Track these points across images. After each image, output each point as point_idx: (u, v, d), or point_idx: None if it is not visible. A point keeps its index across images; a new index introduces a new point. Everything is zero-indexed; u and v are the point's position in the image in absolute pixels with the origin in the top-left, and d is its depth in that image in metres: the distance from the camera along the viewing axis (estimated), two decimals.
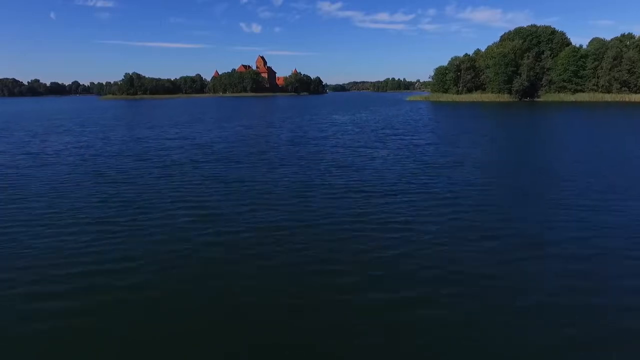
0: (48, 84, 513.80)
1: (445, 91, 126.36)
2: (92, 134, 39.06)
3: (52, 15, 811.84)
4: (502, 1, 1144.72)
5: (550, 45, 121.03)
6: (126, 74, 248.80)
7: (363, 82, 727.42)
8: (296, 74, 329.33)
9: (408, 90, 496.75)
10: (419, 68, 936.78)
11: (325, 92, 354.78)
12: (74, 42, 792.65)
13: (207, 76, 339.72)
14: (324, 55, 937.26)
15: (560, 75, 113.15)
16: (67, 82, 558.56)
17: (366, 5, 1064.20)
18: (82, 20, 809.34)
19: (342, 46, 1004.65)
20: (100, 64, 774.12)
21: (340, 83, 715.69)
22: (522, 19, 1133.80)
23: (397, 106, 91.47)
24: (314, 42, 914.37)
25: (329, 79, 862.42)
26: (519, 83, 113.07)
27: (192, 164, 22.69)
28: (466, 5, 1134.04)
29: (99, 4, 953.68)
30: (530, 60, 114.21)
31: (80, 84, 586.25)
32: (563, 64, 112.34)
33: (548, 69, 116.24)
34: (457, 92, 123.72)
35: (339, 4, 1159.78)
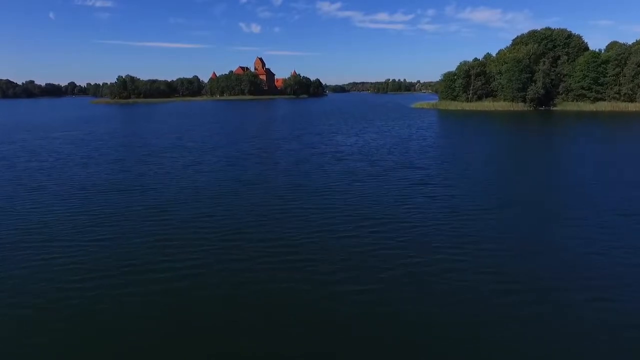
0: (43, 84, 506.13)
1: (454, 98, 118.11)
2: (26, 173, 30.87)
3: (51, 15, 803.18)
4: (502, 1, 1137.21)
5: (566, 49, 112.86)
6: (119, 77, 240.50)
7: (363, 83, 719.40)
8: (295, 76, 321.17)
9: (409, 92, 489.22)
10: (419, 68, 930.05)
11: (325, 95, 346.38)
12: (73, 42, 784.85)
13: (206, 77, 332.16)
14: (323, 56, 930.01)
15: (578, 82, 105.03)
16: (64, 82, 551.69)
17: (366, 5, 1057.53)
18: (81, 20, 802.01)
19: (342, 46, 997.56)
20: (98, 65, 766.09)
21: (340, 84, 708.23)
22: (522, 19, 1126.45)
23: (405, 118, 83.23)
24: (314, 42, 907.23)
25: (328, 80, 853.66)
26: (534, 91, 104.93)
27: (108, 276, 14.46)
28: (465, 6, 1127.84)
29: (98, 4, 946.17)
30: (546, 66, 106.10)
31: (77, 84, 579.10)
32: (582, 70, 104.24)
33: (565, 76, 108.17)
34: (467, 100, 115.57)
35: (338, 4, 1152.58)
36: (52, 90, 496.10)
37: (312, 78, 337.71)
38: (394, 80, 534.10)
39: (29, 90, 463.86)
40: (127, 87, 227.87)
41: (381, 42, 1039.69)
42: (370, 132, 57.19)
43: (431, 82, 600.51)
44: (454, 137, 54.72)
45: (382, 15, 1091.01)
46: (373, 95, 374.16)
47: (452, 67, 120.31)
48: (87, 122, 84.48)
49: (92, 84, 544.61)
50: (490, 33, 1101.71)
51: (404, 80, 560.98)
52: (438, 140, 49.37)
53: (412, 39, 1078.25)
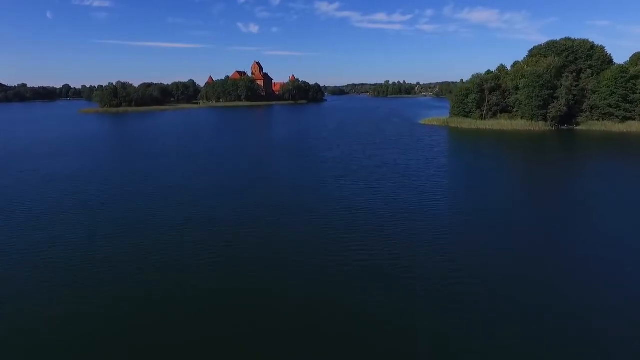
0: (38, 86, 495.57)
1: (467, 115, 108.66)
2: None
3: (48, 14, 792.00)
4: (500, 2, 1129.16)
5: (589, 62, 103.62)
6: (109, 84, 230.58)
7: (362, 85, 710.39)
8: (294, 81, 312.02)
9: (409, 96, 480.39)
10: (418, 69, 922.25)
11: (324, 100, 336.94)
12: (70, 43, 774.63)
13: (204, 78, 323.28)
14: (322, 56, 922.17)
15: (605, 99, 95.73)
16: (60, 84, 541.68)
17: (364, 5, 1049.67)
18: (79, 20, 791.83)
19: (341, 46, 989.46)
20: (95, 65, 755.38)
21: (339, 85, 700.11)
22: (520, 20, 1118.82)
23: (419, 147, 73.69)
24: (312, 43, 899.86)
25: (327, 81, 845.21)
26: (557, 109, 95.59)
27: None
28: (464, 6, 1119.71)
29: (96, 4, 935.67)
30: (569, 82, 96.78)
31: (72, 87, 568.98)
32: (609, 87, 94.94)
33: (589, 91, 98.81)
34: (481, 117, 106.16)
35: (336, 4, 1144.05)
36: (45, 94, 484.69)
37: (311, 80, 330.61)
38: (393, 83, 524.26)
39: (21, 94, 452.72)
40: (118, 95, 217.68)
41: (380, 43, 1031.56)
42: (386, 178, 47.42)
43: (431, 83, 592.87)
44: (491, 187, 45.25)
45: (381, 16, 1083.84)
46: (374, 100, 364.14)
47: (451, 68, 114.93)
48: (55, 150, 74.74)
49: (87, 86, 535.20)
50: (488, 33, 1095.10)
51: (404, 82, 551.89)
52: (475, 197, 39.83)
53: (410, 39, 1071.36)
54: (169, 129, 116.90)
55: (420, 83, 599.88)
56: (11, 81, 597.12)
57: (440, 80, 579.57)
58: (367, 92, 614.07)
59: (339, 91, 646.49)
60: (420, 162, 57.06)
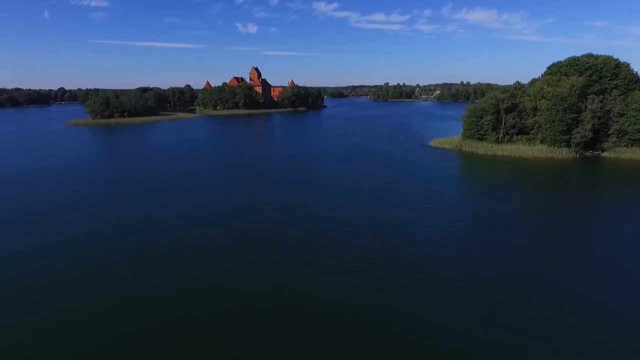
0: (35, 88, 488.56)
1: (481, 137, 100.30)
2: None
3: (46, 14, 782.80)
4: (498, 2, 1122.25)
5: (615, 81, 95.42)
6: (101, 93, 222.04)
7: (362, 87, 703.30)
8: (293, 87, 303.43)
9: (410, 100, 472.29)
10: (417, 70, 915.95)
11: (324, 106, 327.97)
12: (67, 43, 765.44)
13: (202, 80, 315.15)
14: (321, 56, 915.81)
15: (635, 124, 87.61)
16: (56, 86, 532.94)
17: (362, 5, 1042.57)
18: (76, 20, 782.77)
19: (339, 47, 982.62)
20: (92, 66, 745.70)
21: (338, 86, 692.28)
22: (518, 20, 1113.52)
23: (436, 191, 65.32)
24: (311, 43, 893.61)
25: (327, 82, 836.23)
26: (581, 134, 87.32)
27: None
28: (462, 6, 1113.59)
29: (94, 4, 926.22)
30: (595, 105, 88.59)
31: (67, 90, 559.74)
32: (639, 110, 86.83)
33: (616, 114, 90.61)
34: (497, 141, 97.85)
35: (334, 4, 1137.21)
36: (39, 98, 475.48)
37: (310, 81, 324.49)
38: (394, 86, 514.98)
39: (15, 98, 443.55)
40: (110, 105, 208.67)
41: (378, 43, 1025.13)
42: (405, 235, 38.99)
43: (430, 85, 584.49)
44: (520, 239, 36.79)
45: (379, 16, 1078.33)
46: (375, 106, 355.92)
47: (450, 69, 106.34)
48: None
49: (83, 89, 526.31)
50: (486, 33, 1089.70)
51: (404, 84, 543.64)
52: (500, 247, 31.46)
53: (409, 39, 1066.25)
54: (157, 158, 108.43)
55: (420, 85, 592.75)
56: (7, 83, 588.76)
57: (439, 82, 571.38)
58: (367, 94, 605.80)
59: (339, 93, 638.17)
60: (440, 212, 48.73)
